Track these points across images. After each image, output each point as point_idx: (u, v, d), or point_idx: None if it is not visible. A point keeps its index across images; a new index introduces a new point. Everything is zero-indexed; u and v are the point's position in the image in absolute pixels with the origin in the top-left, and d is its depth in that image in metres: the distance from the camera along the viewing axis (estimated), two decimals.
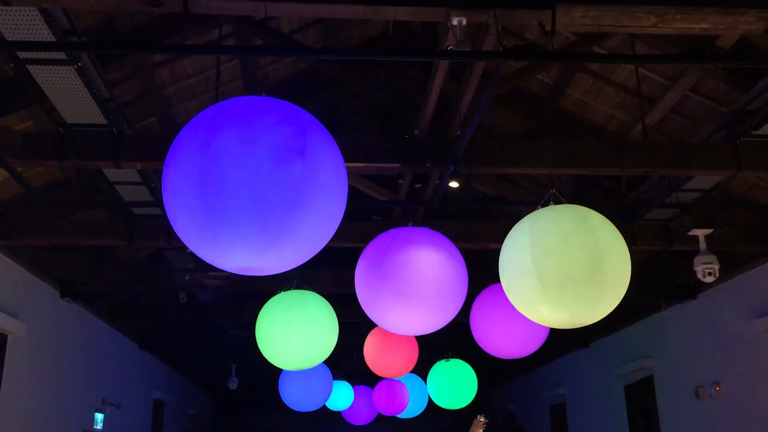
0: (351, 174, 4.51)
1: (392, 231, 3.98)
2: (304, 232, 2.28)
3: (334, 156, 2.38)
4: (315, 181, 2.26)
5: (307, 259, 2.45)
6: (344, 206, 2.43)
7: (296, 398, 7.12)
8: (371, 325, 6.83)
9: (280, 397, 7.21)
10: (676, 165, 5.03)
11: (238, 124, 2.26)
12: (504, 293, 3.53)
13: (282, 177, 2.19)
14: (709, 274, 5.92)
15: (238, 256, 2.28)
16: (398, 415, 9.96)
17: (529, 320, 3.45)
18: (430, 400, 9.01)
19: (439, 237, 3.95)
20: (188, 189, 2.23)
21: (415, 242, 3.84)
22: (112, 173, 5.30)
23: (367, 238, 4.14)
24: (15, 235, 5.93)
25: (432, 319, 3.80)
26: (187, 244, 2.35)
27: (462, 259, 3.97)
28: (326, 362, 6.57)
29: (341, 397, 10.03)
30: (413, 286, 3.71)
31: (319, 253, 2.50)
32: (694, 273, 6.00)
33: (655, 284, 7.97)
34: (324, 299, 5.02)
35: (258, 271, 2.37)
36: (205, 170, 2.20)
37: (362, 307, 3.96)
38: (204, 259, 2.37)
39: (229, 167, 2.18)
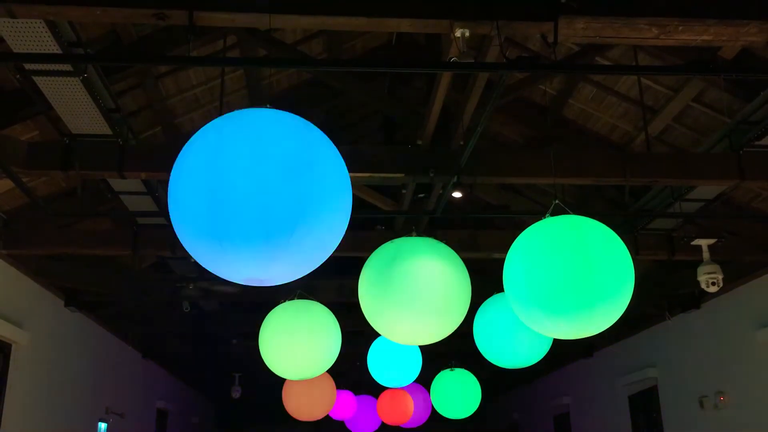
0: (354, 184, 4.52)
1: (395, 240, 3.99)
2: (310, 244, 2.30)
3: (339, 169, 2.41)
4: (322, 194, 2.28)
5: (312, 270, 2.47)
6: (348, 218, 2.44)
7: (299, 407, 7.11)
8: (375, 335, 6.82)
9: (283, 407, 7.21)
10: (679, 175, 5.04)
11: (247, 138, 2.28)
12: (507, 302, 3.54)
13: (290, 190, 2.21)
14: (713, 283, 5.91)
15: (245, 268, 2.29)
16: (402, 425, 9.93)
17: (533, 330, 3.46)
18: (433, 409, 8.99)
19: (442, 247, 3.96)
20: (196, 201, 2.24)
21: (418, 252, 3.85)
22: (117, 183, 5.33)
23: (371, 248, 4.15)
24: (20, 245, 5.95)
25: (435, 329, 3.80)
26: (193, 255, 2.37)
27: (465, 269, 3.97)
28: (329, 371, 6.57)
29: (344, 406, 10.01)
30: (417, 297, 3.71)
31: (322, 263, 2.52)
32: (698, 283, 6.00)
33: (659, 294, 7.96)
34: (327, 308, 5.03)
35: (264, 283, 2.38)
36: (214, 183, 2.22)
37: (366, 316, 3.97)
38: (211, 270, 2.39)
39: (237, 180, 2.20)
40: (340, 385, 9.17)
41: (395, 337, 3.92)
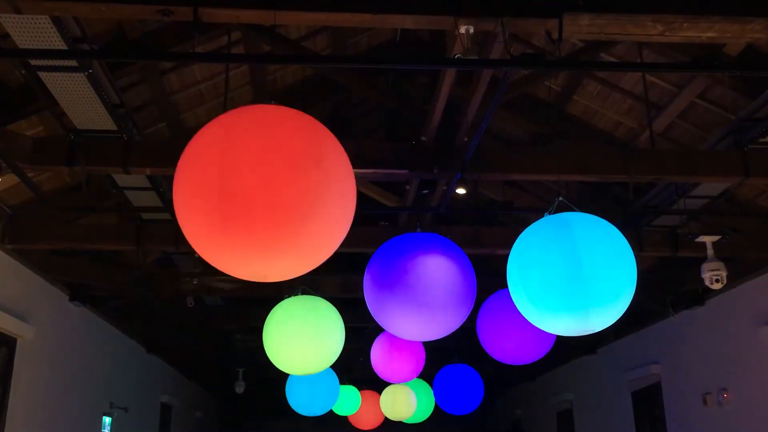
0: (359, 180, 4.53)
1: (401, 236, 4.00)
2: (316, 240, 2.31)
3: (345, 166, 2.42)
4: (329, 191, 2.29)
5: (316, 266, 2.48)
6: (353, 215, 2.45)
7: (303, 403, 7.14)
8: (378, 330, 6.84)
9: (286, 402, 7.23)
10: (684, 171, 5.03)
11: (256, 134, 2.28)
12: (510, 298, 3.56)
13: (298, 187, 2.22)
14: (717, 280, 5.90)
15: (250, 265, 2.30)
16: (404, 420, 9.95)
17: (537, 326, 3.47)
18: (436, 405, 9.00)
19: (447, 243, 3.97)
20: (204, 197, 2.24)
21: (424, 248, 3.86)
22: (122, 178, 5.34)
23: (375, 244, 4.16)
24: (25, 239, 5.97)
25: (440, 325, 3.81)
26: (198, 251, 2.38)
27: (470, 265, 3.98)
28: (333, 367, 6.59)
29: (348, 401, 10.04)
30: (422, 292, 3.72)
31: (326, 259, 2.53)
32: (702, 279, 5.99)
33: (663, 290, 7.96)
34: (330, 304, 5.04)
35: (268, 279, 2.39)
36: (223, 179, 2.22)
37: (371, 312, 3.98)
38: (216, 266, 2.40)
39: (247, 177, 2.21)
40: (343, 381, 9.19)
41: (398, 332, 3.94)
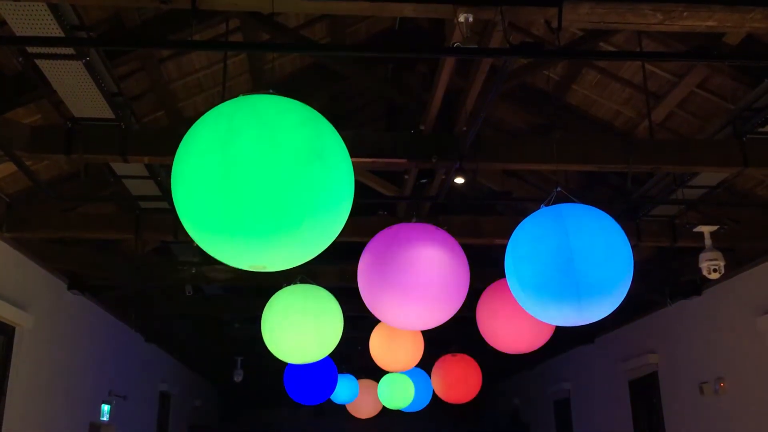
0: (357, 169, 4.54)
1: (394, 227, 4.00)
2: (316, 231, 2.31)
3: (345, 157, 2.42)
4: (330, 182, 2.29)
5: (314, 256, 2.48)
6: (351, 205, 2.46)
7: (301, 391, 7.16)
8: (376, 320, 6.84)
9: (285, 390, 7.25)
10: (682, 161, 5.03)
11: (259, 125, 2.27)
12: (509, 288, 3.57)
13: (301, 178, 2.22)
14: (715, 270, 5.92)
15: (250, 255, 2.30)
16: (402, 409, 9.99)
17: (535, 316, 3.48)
18: (434, 394, 9.03)
19: (440, 233, 3.97)
20: (205, 187, 2.24)
21: (416, 238, 3.86)
22: (120, 167, 5.34)
23: (373, 233, 4.16)
24: (23, 228, 5.97)
25: (432, 315, 3.82)
26: (198, 241, 2.37)
27: (464, 255, 3.98)
28: (331, 355, 6.61)
29: (346, 390, 10.07)
30: (414, 282, 3.73)
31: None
32: (700, 269, 6.01)
33: (661, 280, 7.97)
34: (329, 293, 5.05)
35: (267, 269, 2.40)
36: (225, 170, 2.21)
37: (364, 301, 3.99)
38: (215, 256, 2.40)
39: (249, 168, 2.20)
40: (341, 370, 9.22)
41: (390, 321, 3.95)
